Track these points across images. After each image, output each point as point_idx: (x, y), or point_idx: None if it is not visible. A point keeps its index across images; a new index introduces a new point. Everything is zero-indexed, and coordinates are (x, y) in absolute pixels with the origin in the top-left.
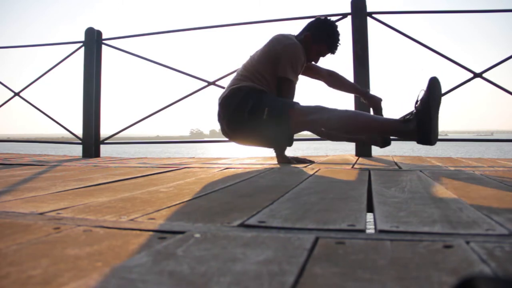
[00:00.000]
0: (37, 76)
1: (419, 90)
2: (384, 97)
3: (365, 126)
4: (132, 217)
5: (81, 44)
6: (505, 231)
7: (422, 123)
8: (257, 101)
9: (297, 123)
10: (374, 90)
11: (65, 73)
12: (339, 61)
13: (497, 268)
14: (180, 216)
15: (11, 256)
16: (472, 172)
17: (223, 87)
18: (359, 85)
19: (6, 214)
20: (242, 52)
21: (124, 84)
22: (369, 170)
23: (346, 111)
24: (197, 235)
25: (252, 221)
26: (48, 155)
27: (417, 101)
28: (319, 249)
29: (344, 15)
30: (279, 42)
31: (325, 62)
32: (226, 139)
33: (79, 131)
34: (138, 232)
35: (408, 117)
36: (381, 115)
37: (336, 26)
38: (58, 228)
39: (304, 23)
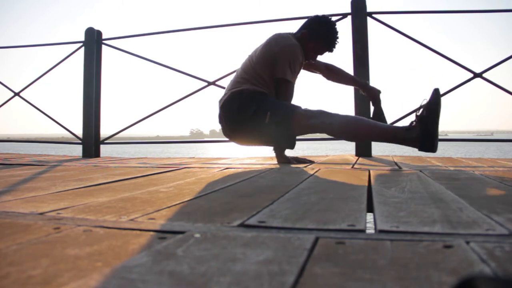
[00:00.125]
0: (37, 76)
1: (422, 99)
2: (384, 96)
3: (367, 133)
4: (132, 217)
5: (81, 44)
6: (505, 231)
7: (427, 131)
8: (258, 104)
9: (299, 127)
10: None
11: (65, 73)
12: (339, 61)
13: (497, 268)
14: (180, 216)
15: (11, 256)
16: (472, 172)
17: (223, 87)
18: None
19: (6, 214)
20: (242, 52)
21: (124, 84)
22: (369, 170)
23: (349, 116)
24: (197, 235)
25: (252, 221)
26: (48, 155)
27: (419, 109)
28: (319, 249)
29: (344, 15)
30: (276, 43)
31: (325, 61)
32: (226, 139)
33: (79, 131)
34: (138, 232)
35: (411, 125)
36: (380, 107)
37: (334, 24)
38: (58, 228)
39: None
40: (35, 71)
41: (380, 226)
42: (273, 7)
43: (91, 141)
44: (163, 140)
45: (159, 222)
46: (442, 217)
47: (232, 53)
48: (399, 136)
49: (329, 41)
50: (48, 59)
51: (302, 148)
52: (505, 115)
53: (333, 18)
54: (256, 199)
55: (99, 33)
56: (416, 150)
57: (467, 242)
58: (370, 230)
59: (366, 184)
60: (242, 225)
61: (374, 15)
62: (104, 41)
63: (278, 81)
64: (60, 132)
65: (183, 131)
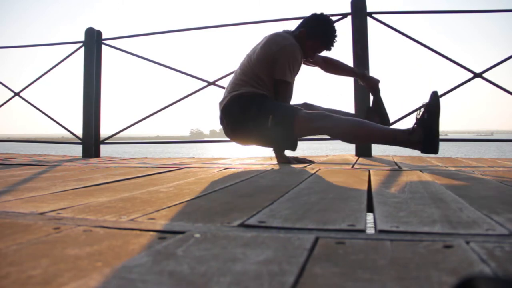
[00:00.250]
0: (37, 76)
1: (421, 102)
2: (384, 97)
3: (370, 136)
4: (132, 217)
5: (81, 44)
6: (505, 231)
7: (429, 133)
8: (259, 107)
9: (301, 129)
10: None
11: (65, 73)
12: None
13: (497, 268)
14: (180, 216)
15: (11, 256)
16: (472, 172)
17: (223, 87)
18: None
19: (6, 214)
20: (242, 52)
21: (124, 84)
22: (369, 170)
23: (351, 119)
24: (197, 235)
25: (252, 221)
26: (48, 155)
27: (419, 113)
28: (319, 249)
29: (344, 15)
30: (276, 44)
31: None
32: (227, 139)
33: (79, 131)
34: (138, 232)
35: (412, 128)
36: (379, 96)
37: (331, 22)
38: (58, 228)
39: None
40: (35, 71)
41: (380, 226)
42: (273, 7)
43: (91, 141)
44: (163, 140)
45: (159, 222)
46: (442, 217)
47: (232, 53)
48: (401, 139)
49: (327, 39)
50: (48, 59)
51: (302, 148)
52: (505, 115)
53: (333, 18)
54: (256, 199)
55: (99, 33)
56: (416, 150)
57: (467, 242)
58: (370, 230)
59: (366, 184)
60: (242, 225)
61: (374, 15)
62: (104, 41)
63: (277, 82)
64: (60, 132)
65: (183, 131)
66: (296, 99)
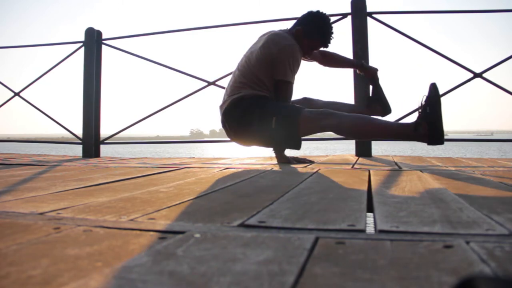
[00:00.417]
0: (37, 76)
1: (422, 96)
2: (384, 88)
3: (375, 131)
4: (132, 217)
5: (81, 44)
6: (505, 231)
7: (433, 125)
8: (261, 109)
9: (306, 129)
10: None
11: (65, 73)
12: None
13: (497, 268)
14: (180, 216)
15: (11, 256)
16: (472, 172)
17: (223, 87)
18: (360, 92)
19: (6, 214)
20: (242, 52)
21: (124, 84)
22: (369, 170)
23: (355, 116)
24: (197, 235)
25: (252, 221)
26: (48, 155)
27: (420, 106)
28: (319, 249)
29: (344, 15)
30: (275, 44)
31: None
32: (227, 139)
33: (79, 131)
34: (138, 232)
35: (416, 121)
36: (379, 85)
37: (327, 19)
38: (58, 228)
39: None
40: (35, 71)
41: (380, 226)
42: (273, 7)
43: (91, 141)
44: (163, 140)
45: (159, 222)
46: (442, 217)
47: (233, 53)
48: (406, 133)
49: (324, 37)
50: (48, 59)
51: (302, 148)
52: (505, 115)
53: (333, 18)
54: (256, 199)
55: (99, 33)
56: (416, 150)
57: (467, 242)
58: (370, 230)
59: (366, 184)
60: (242, 225)
61: (374, 15)
62: (104, 41)
63: (278, 82)
64: (60, 132)
65: (183, 131)
66: (295, 93)
